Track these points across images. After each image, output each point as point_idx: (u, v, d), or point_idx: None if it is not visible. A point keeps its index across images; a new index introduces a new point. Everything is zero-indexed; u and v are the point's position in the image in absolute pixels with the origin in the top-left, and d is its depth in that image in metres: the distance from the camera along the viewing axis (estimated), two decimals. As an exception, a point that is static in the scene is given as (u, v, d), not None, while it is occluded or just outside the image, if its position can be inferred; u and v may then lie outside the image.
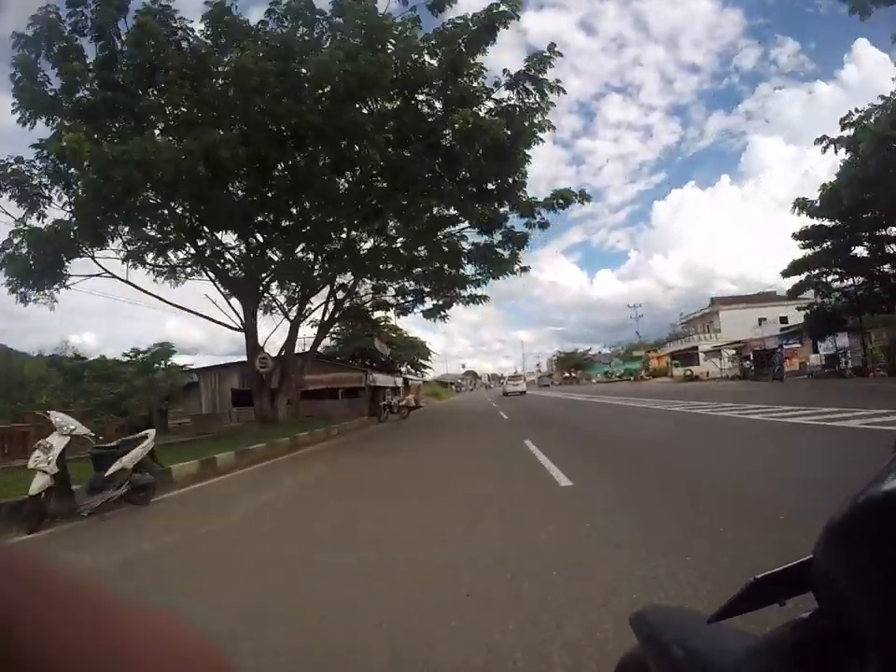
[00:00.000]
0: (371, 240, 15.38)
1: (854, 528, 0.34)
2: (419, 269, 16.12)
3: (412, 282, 17.29)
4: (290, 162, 12.21)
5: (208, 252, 14.29)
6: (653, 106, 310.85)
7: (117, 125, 11.29)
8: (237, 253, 14.71)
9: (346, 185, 12.72)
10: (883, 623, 0.32)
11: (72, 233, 11.19)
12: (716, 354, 37.81)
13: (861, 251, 22.60)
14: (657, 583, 2.29)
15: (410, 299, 18.12)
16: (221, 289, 14.44)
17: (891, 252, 22.07)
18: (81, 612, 0.23)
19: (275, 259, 14.76)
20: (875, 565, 0.32)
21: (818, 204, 20.33)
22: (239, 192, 13.01)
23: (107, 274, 12.91)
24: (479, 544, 3.10)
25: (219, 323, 14.33)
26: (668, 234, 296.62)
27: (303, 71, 10.39)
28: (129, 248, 13.32)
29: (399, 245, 15.57)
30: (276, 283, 16.00)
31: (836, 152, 18.81)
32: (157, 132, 11.01)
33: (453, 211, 14.16)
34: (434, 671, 1.81)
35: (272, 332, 33.67)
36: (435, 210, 14.21)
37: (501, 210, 13.87)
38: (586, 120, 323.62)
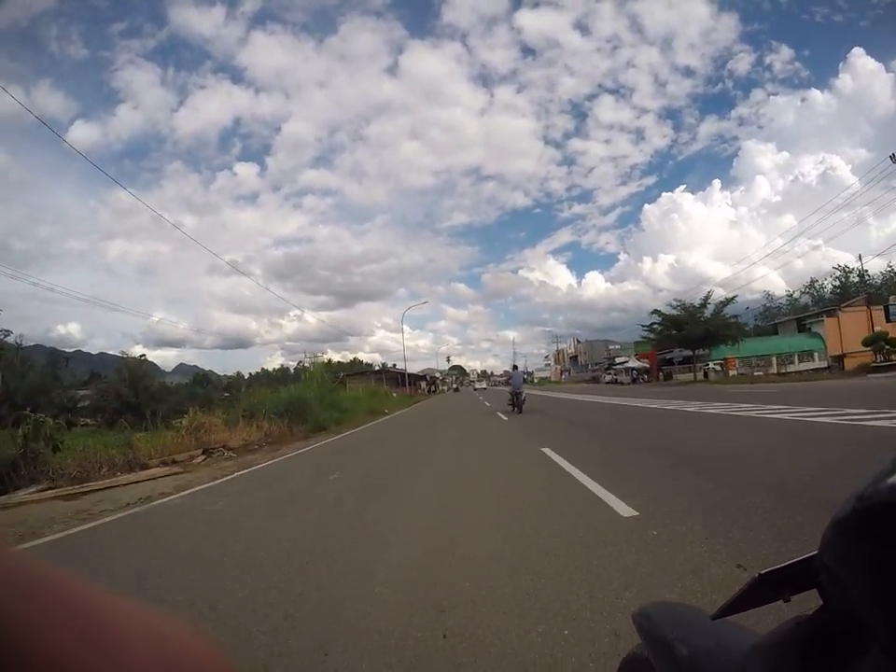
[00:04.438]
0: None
1: (860, 525, 0.34)
2: None
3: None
4: None
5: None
6: (646, 109, 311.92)
7: None
8: None
9: None
10: (888, 621, 0.32)
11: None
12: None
13: None
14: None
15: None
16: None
17: None
18: (76, 613, 0.22)
19: None
20: (881, 562, 0.32)
21: None
22: None
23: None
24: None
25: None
26: (658, 237, 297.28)
27: None
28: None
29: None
30: None
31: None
32: None
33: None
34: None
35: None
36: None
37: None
38: (578, 121, 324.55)
